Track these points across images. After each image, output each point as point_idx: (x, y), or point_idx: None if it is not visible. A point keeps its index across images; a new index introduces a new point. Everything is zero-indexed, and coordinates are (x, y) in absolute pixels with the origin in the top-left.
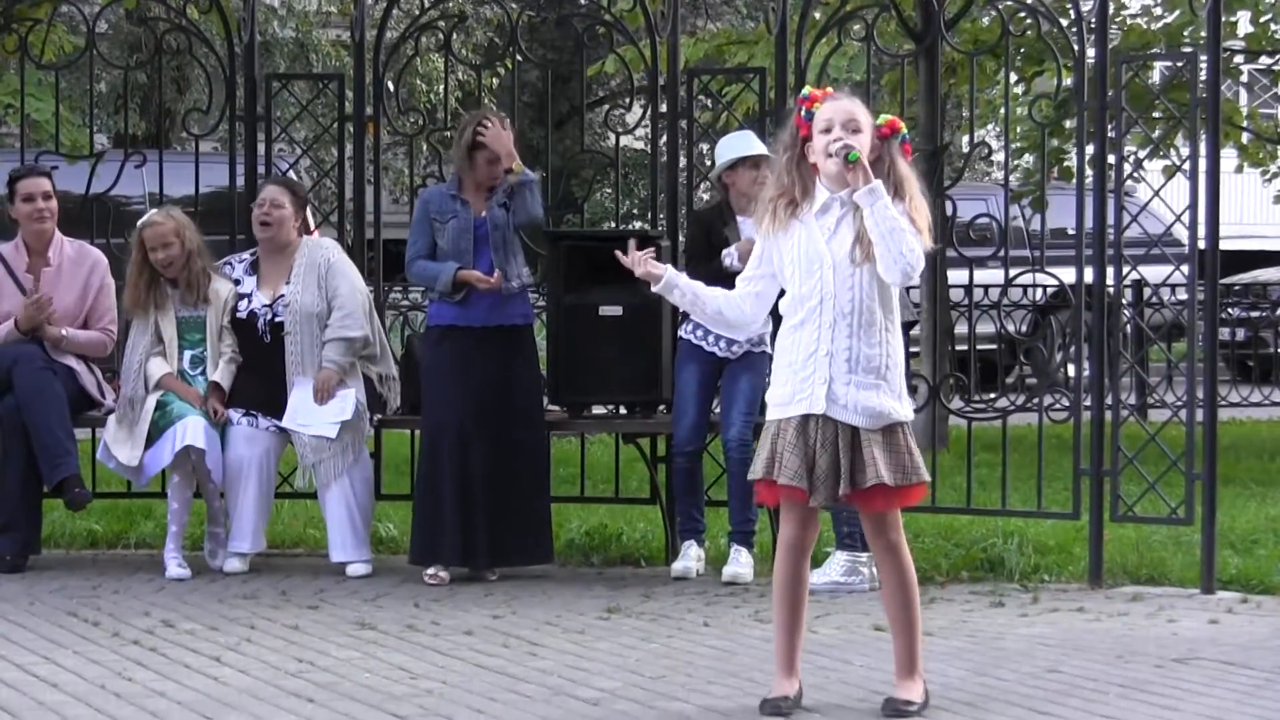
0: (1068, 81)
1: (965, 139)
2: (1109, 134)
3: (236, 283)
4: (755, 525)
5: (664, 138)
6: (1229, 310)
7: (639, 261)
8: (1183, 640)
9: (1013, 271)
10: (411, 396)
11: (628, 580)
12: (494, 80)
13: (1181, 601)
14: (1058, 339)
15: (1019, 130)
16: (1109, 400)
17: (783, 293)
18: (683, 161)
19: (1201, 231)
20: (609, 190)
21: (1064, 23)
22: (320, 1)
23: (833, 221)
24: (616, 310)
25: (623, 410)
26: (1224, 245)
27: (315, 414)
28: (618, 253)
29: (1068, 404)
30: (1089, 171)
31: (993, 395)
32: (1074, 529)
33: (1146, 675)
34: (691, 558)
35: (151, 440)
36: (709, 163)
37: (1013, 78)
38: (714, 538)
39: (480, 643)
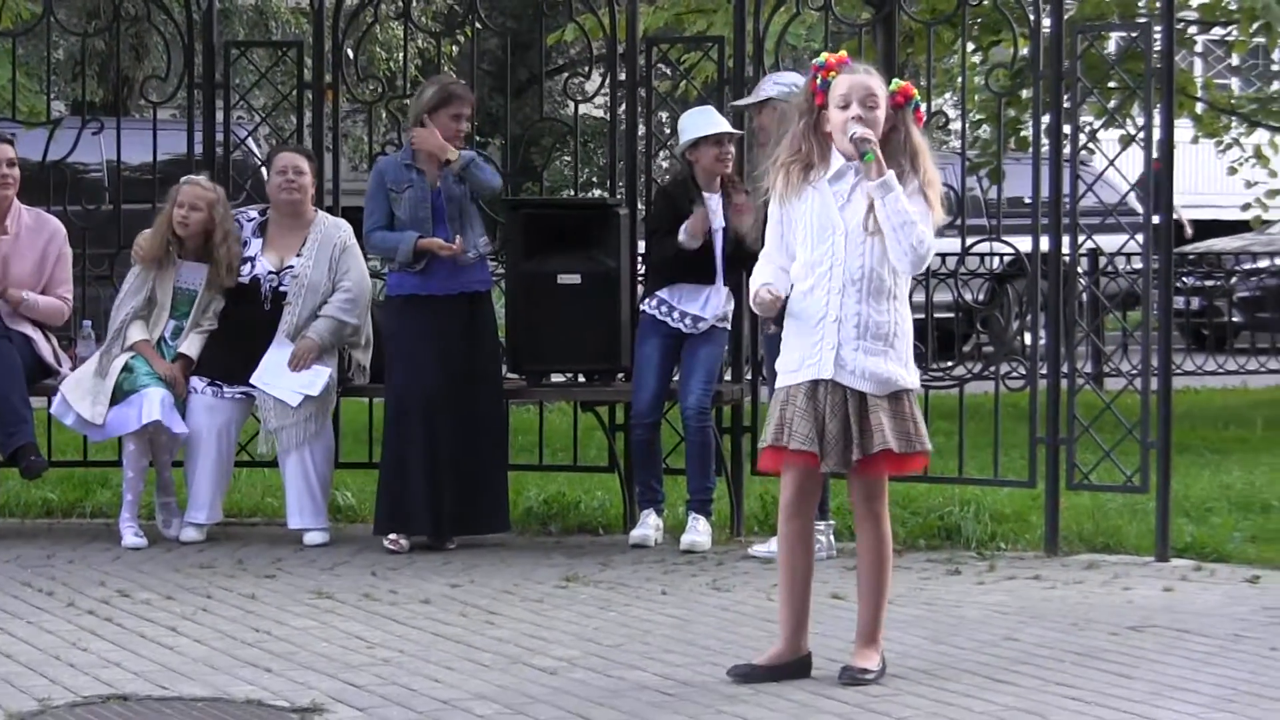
0: (1024, 51)
1: (922, 108)
2: (1065, 104)
3: (244, 244)
4: (713, 494)
5: (623, 106)
6: (1184, 279)
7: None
8: (1137, 608)
9: (970, 240)
10: (374, 365)
11: (585, 549)
12: (453, 48)
13: (1136, 569)
14: (1014, 308)
15: (976, 100)
16: (1065, 369)
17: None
18: (641, 130)
19: (1156, 201)
20: (568, 158)
21: None
22: None
23: (846, 189)
24: (575, 279)
25: (581, 378)
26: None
27: (284, 378)
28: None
29: (1024, 373)
30: (1045, 141)
31: (950, 364)
32: (1030, 497)
33: (1102, 643)
34: (650, 526)
35: (113, 400)
36: (668, 131)
37: (970, 47)
38: (672, 506)
39: (438, 611)
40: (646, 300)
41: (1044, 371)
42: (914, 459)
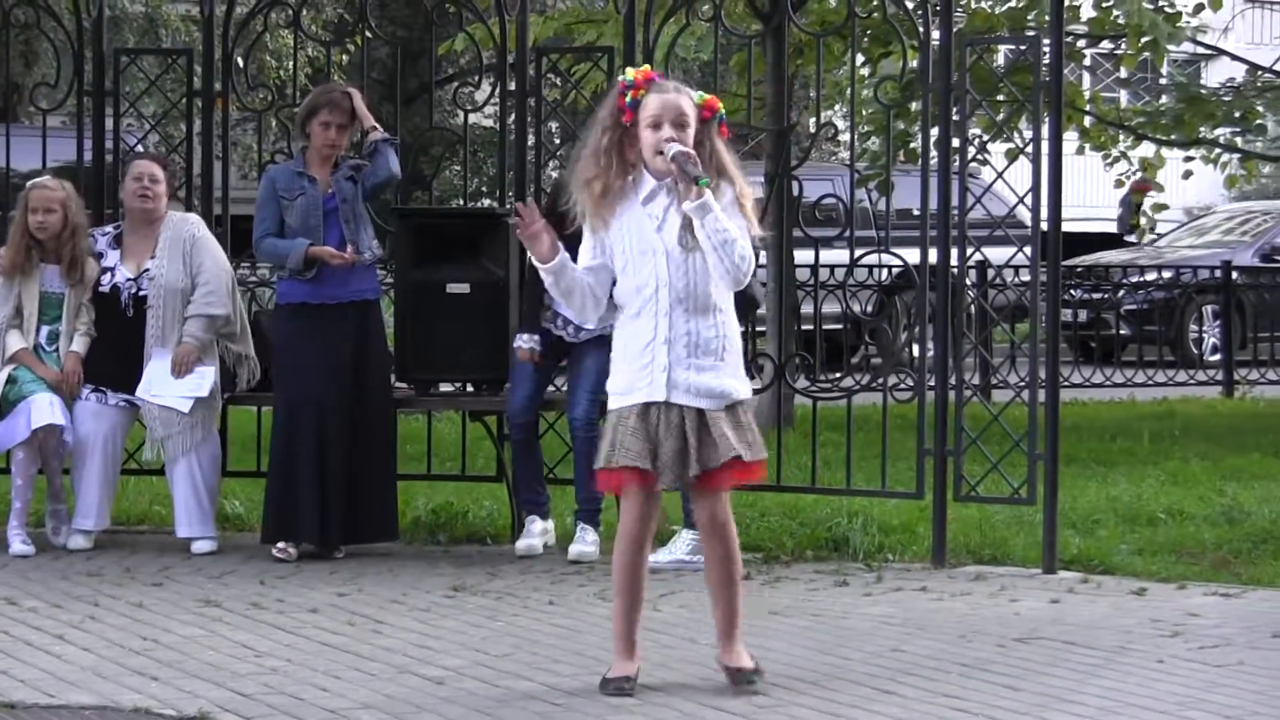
0: (913, 64)
1: (812, 120)
2: (954, 116)
3: (100, 256)
4: (601, 504)
5: (513, 116)
6: (1071, 292)
7: (534, 221)
8: (1024, 620)
9: (858, 252)
10: (259, 373)
11: (473, 558)
12: (344, 57)
13: (1023, 581)
14: (902, 319)
15: (865, 112)
16: (953, 380)
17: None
18: (531, 140)
19: (1044, 213)
20: (458, 168)
21: (909, 5)
22: None
23: (659, 210)
24: (463, 288)
25: (469, 388)
26: (1066, 227)
27: (170, 386)
28: (519, 204)
29: (912, 384)
30: (934, 153)
31: (838, 375)
32: (918, 509)
33: (988, 654)
34: (535, 534)
35: (1, 413)
36: (557, 140)
37: (859, 59)
38: (560, 516)
39: (325, 620)
40: None
41: (932, 383)
42: (757, 467)
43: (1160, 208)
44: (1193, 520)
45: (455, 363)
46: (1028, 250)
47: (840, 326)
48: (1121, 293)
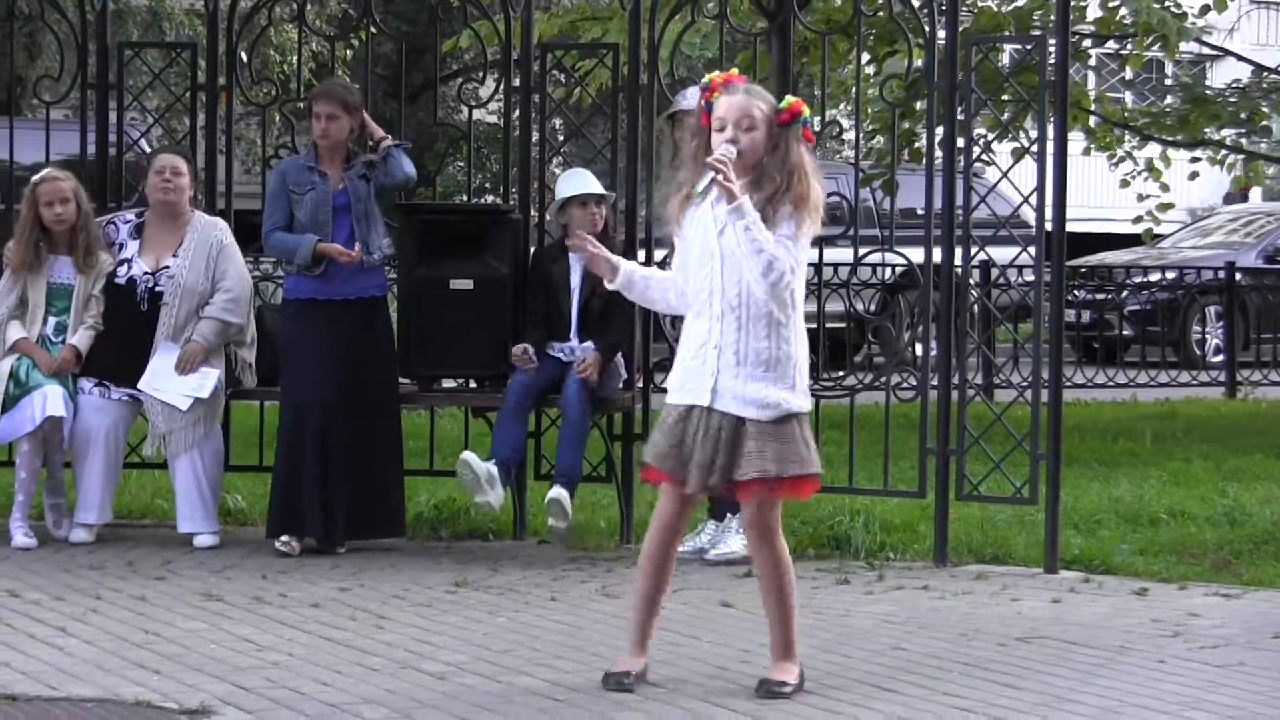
0: (919, 63)
1: (817, 118)
2: (959, 116)
3: (120, 247)
4: (578, 474)
5: (517, 112)
6: (1075, 292)
7: (594, 248)
8: (1025, 619)
9: (862, 250)
10: (262, 368)
11: (475, 554)
12: (348, 52)
13: (1025, 580)
14: (906, 318)
15: (870, 111)
16: (956, 380)
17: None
18: (535, 136)
19: (1048, 213)
20: (461, 164)
21: (915, 4)
22: None
23: (724, 214)
24: (467, 284)
25: (472, 384)
26: (1070, 227)
27: (172, 382)
28: (579, 235)
29: (915, 383)
30: (939, 152)
31: (841, 373)
32: (920, 507)
33: (989, 654)
34: (482, 466)
35: (4, 407)
36: (561, 138)
37: (864, 58)
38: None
39: (327, 615)
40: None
41: (935, 382)
42: (801, 482)
43: (1167, 207)
44: (1194, 521)
45: (458, 359)
46: (1031, 250)
47: (844, 325)
48: (1125, 293)
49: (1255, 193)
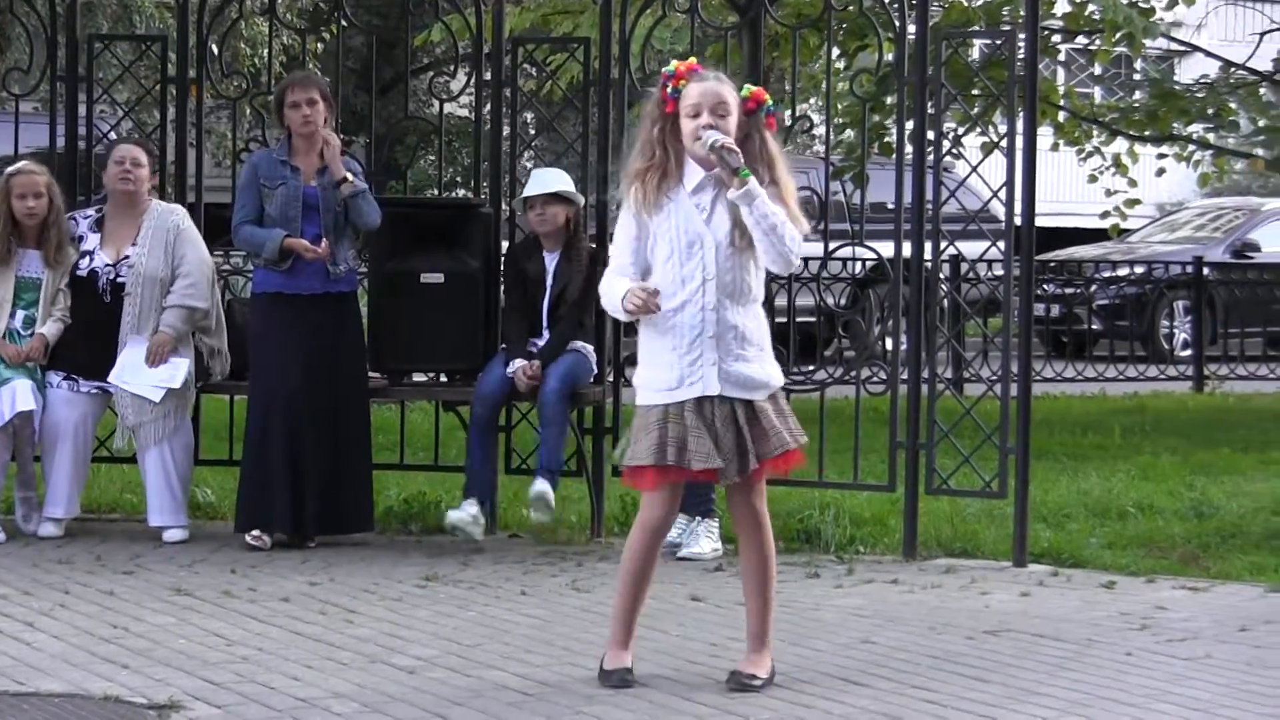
0: (889, 57)
1: (788, 112)
2: (929, 110)
3: (80, 239)
4: (561, 468)
5: (488, 106)
6: (1044, 286)
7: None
8: (994, 613)
9: (832, 245)
10: (233, 362)
11: (446, 548)
12: (318, 45)
13: (994, 574)
14: (876, 312)
15: (840, 105)
16: (925, 374)
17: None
18: (506, 130)
19: (1018, 208)
20: (432, 157)
21: None
22: None
23: (708, 201)
24: (438, 278)
25: (443, 378)
26: (1039, 222)
27: (143, 374)
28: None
29: (885, 377)
30: (909, 147)
31: (811, 367)
32: (889, 501)
33: (958, 647)
34: (469, 513)
35: None
36: (532, 131)
37: (835, 52)
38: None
39: (297, 610)
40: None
41: (904, 376)
42: (800, 453)
43: (1135, 203)
44: (1162, 515)
45: (429, 353)
46: (1001, 244)
47: (814, 319)
48: (1094, 288)
49: None
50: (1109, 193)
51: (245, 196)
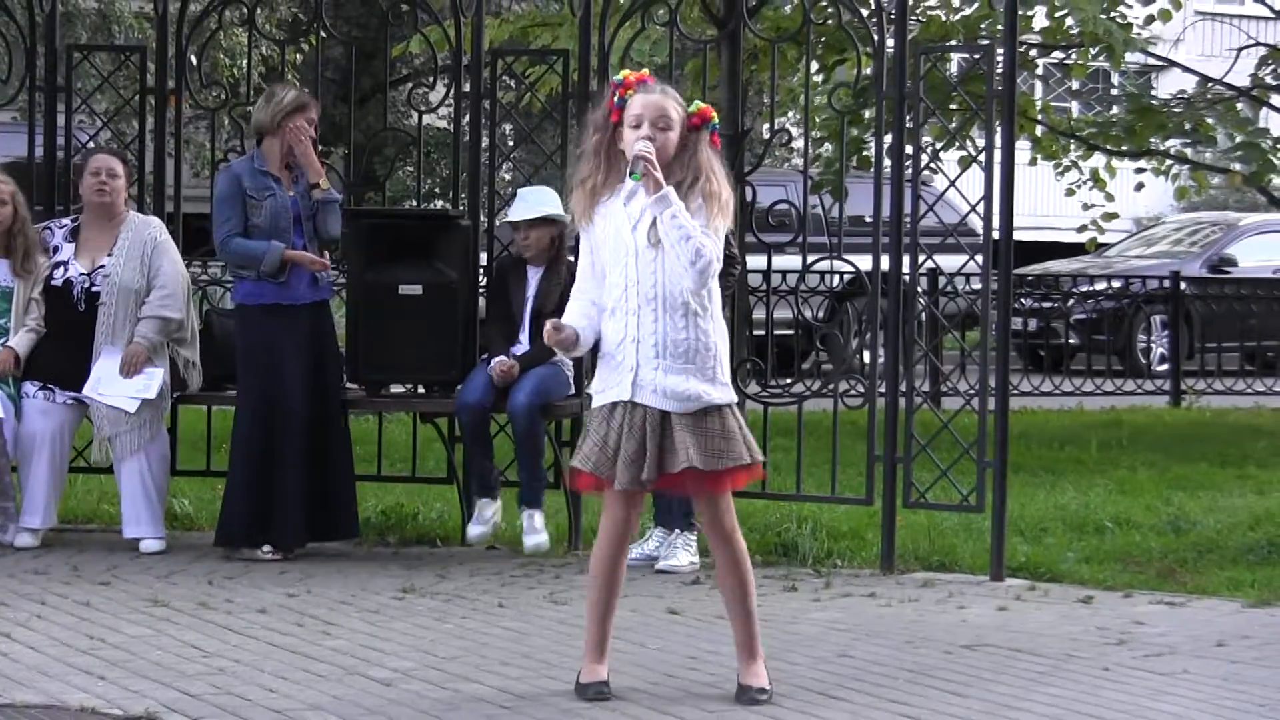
0: (867, 71)
1: (766, 126)
2: (907, 124)
3: (55, 249)
4: (544, 484)
5: (467, 117)
6: (1021, 300)
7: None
8: (971, 627)
9: (811, 258)
10: (212, 372)
11: (424, 560)
12: (297, 56)
13: (971, 588)
14: (854, 326)
15: (819, 118)
16: (903, 387)
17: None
18: (485, 142)
19: (995, 222)
20: (411, 169)
21: (864, 12)
22: None
23: (638, 209)
24: (416, 289)
25: (420, 389)
26: (1017, 236)
27: (118, 385)
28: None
29: (863, 390)
30: (887, 160)
31: (789, 380)
32: (867, 514)
33: (936, 661)
34: (487, 519)
35: None
36: (511, 143)
37: (813, 66)
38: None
39: (274, 621)
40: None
41: (882, 390)
42: (733, 475)
43: (1112, 217)
44: (1139, 529)
45: (407, 364)
46: (979, 258)
47: (792, 332)
48: (1071, 302)
49: None
50: (1086, 207)
51: (230, 209)
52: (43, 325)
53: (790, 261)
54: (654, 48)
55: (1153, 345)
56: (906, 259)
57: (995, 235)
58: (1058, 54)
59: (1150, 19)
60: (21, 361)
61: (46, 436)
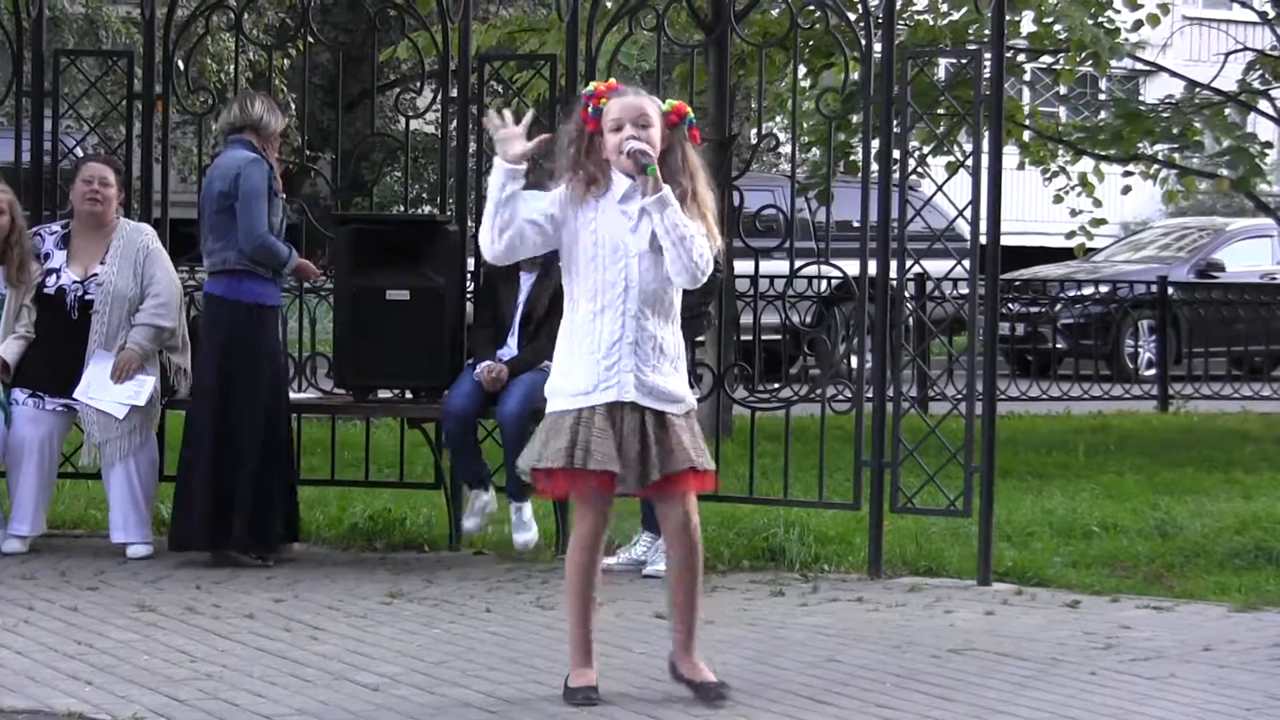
0: (855, 76)
1: (753, 130)
2: (894, 129)
3: (46, 256)
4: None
5: (454, 123)
6: (1009, 305)
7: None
8: (958, 631)
9: (798, 263)
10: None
11: (411, 565)
12: (285, 61)
13: (958, 593)
14: (841, 330)
15: (806, 123)
16: (890, 392)
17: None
18: (473, 147)
19: (983, 226)
20: (398, 174)
21: (852, 17)
22: None
23: (635, 210)
24: (403, 294)
25: (408, 394)
26: (1005, 241)
27: (109, 391)
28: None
29: (850, 395)
30: (874, 165)
31: (776, 385)
32: (854, 519)
33: (922, 665)
34: (479, 509)
35: None
36: None
37: (801, 71)
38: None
39: (261, 626)
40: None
41: (869, 395)
42: (711, 477)
43: (1100, 222)
44: (1126, 534)
45: (394, 369)
46: (966, 263)
47: (779, 337)
48: (1058, 306)
49: None
50: (1074, 212)
51: (265, 203)
52: (33, 332)
53: (778, 266)
54: (642, 52)
55: (1140, 350)
56: (894, 264)
57: (983, 240)
58: (1045, 59)
59: (1138, 24)
60: (10, 368)
61: (35, 443)
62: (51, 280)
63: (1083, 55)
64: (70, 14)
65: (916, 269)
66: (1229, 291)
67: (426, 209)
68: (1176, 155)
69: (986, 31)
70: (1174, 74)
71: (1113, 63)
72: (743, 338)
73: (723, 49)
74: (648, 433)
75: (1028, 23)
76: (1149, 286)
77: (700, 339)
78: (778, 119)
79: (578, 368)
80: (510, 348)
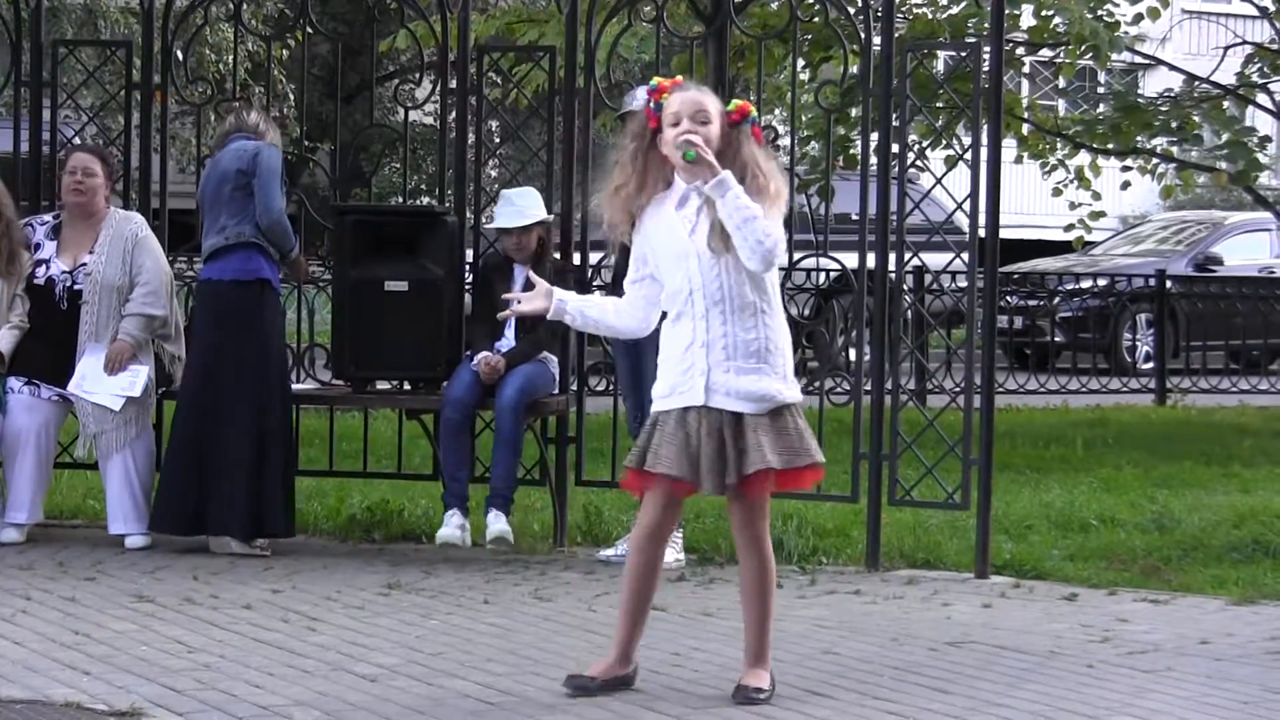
0: (854, 69)
1: (760, 124)
2: (893, 122)
3: (36, 247)
4: (514, 487)
5: (453, 114)
6: (1007, 298)
7: (525, 301)
8: (956, 624)
9: (797, 256)
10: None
11: (409, 556)
12: (284, 52)
13: (956, 585)
14: (839, 323)
15: (805, 116)
16: (889, 385)
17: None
18: (471, 138)
19: (982, 220)
20: (397, 165)
21: (851, 10)
22: None
23: (692, 213)
24: (402, 285)
25: (406, 386)
26: (1003, 234)
27: (103, 383)
28: (514, 301)
29: (848, 388)
30: (873, 158)
31: None
32: (852, 512)
33: (920, 658)
34: (454, 525)
35: None
36: (497, 139)
37: (800, 64)
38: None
39: (259, 617)
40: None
41: (868, 387)
42: (803, 474)
43: (1099, 215)
44: (1124, 527)
45: (392, 361)
46: (965, 256)
47: None
48: (1057, 300)
49: None
50: (1073, 205)
51: (280, 185)
52: (26, 321)
53: None
54: (641, 44)
55: (1138, 343)
56: (893, 256)
57: (981, 233)
58: (1045, 52)
59: (1138, 17)
60: (5, 358)
61: (32, 432)
62: (41, 271)
63: (1082, 49)
64: (69, 4)
65: (915, 262)
66: (1227, 285)
67: (425, 200)
68: (1175, 149)
69: (986, 25)
70: (1173, 68)
71: (1112, 56)
72: None
73: (722, 41)
74: (724, 436)
75: (1027, 16)
76: (1147, 280)
77: None
78: (777, 112)
79: (663, 373)
80: (507, 339)
